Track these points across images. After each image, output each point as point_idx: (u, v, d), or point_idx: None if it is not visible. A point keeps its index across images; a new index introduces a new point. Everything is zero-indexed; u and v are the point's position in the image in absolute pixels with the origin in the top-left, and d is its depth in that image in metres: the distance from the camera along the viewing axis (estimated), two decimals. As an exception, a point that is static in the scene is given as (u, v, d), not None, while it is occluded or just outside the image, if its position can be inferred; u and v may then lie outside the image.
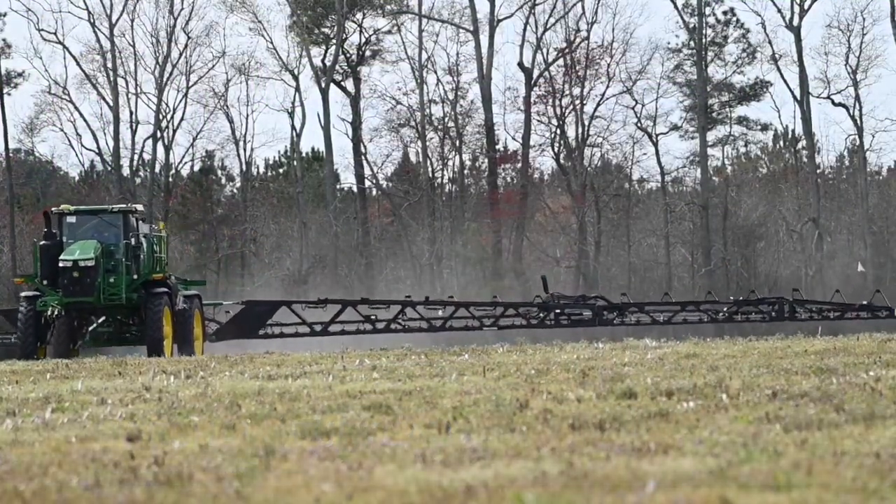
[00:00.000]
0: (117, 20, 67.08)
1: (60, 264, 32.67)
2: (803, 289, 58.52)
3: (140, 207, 35.63)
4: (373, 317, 39.90)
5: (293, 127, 69.02)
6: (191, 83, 67.85)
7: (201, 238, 69.98)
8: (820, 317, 41.74)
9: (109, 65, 66.89)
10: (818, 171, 69.95)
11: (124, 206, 35.22)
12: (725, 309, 42.34)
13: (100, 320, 34.87)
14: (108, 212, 34.37)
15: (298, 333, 39.64)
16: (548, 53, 68.08)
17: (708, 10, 68.65)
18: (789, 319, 41.80)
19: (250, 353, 25.61)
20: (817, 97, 67.22)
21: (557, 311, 40.91)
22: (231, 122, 68.70)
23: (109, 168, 68.45)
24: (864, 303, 42.56)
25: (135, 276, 33.58)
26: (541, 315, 40.96)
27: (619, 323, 41.15)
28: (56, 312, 32.56)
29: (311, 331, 39.68)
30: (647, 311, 41.91)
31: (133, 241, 33.61)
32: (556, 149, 68.56)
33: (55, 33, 67.20)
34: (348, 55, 68.65)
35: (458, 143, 68.87)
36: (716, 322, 42.38)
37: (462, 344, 33.53)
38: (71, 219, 33.83)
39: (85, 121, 68.03)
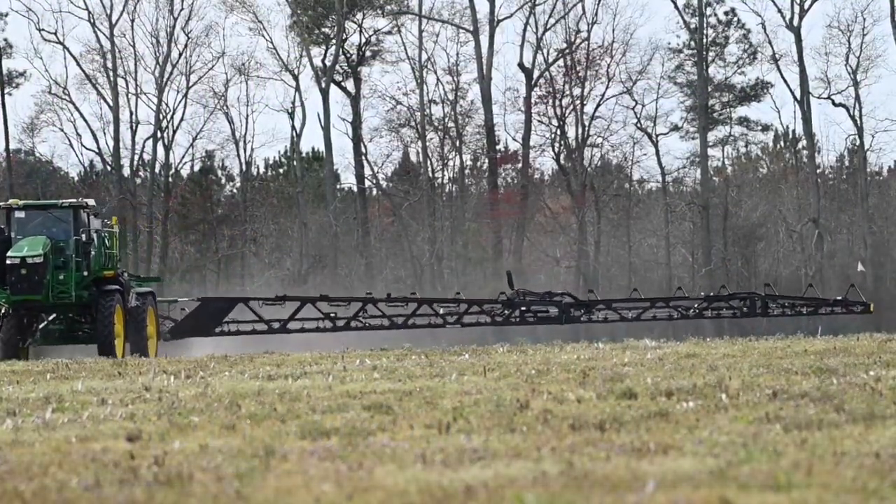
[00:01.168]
0: (117, 20, 67.16)
1: (8, 261, 31.53)
2: (803, 288, 58.43)
3: (91, 202, 34.28)
4: (332, 314, 38.58)
5: (293, 127, 69.10)
6: (191, 83, 67.89)
7: (201, 238, 69.99)
8: (793, 312, 40.94)
9: (109, 65, 66.92)
10: (818, 171, 69.93)
11: (74, 200, 34.02)
12: (696, 305, 41.20)
13: (50, 318, 33.61)
14: (57, 207, 33.16)
15: (256, 331, 38.23)
16: (548, 54, 68.14)
17: (709, 11, 68.68)
18: (761, 315, 40.87)
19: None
20: (817, 97, 67.25)
21: (523, 308, 39.80)
22: (231, 122, 68.75)
23: (109, 168, 68.48)
24: (839, 298, 41.60)
25: (85, 273, 32.52)
26: (506, 312, 39.83)
27: (586, 320, 40.08)
28: (3, 310, 31.51)
29: (269, 328, 38.24)
30: (614, 308, 40.76)
31: (84, 237, 32.51)
32: (556, 149, 68.60)
33: (55, 33, 67.27)
34: (348, 55, 68.67)
35: (458, 143, 68.88)
36: (686, 319, 41.18)
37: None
38: (20, 214, 32.68)
39: (85, 121, 68.10)
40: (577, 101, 67.61)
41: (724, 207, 68.34)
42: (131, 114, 67.34)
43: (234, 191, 73.06)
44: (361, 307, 38.87)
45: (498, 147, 68.92)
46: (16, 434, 9.96)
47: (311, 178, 72.49)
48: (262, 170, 75.06)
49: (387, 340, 35.08)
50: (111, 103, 66.81)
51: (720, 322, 43.28)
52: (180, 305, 39.36)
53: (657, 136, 68.50)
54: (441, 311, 39.77)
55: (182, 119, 68.16)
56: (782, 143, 75.12)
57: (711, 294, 42.65)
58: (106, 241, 33.80)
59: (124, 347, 32.57)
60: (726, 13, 68.95)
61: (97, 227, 33.67)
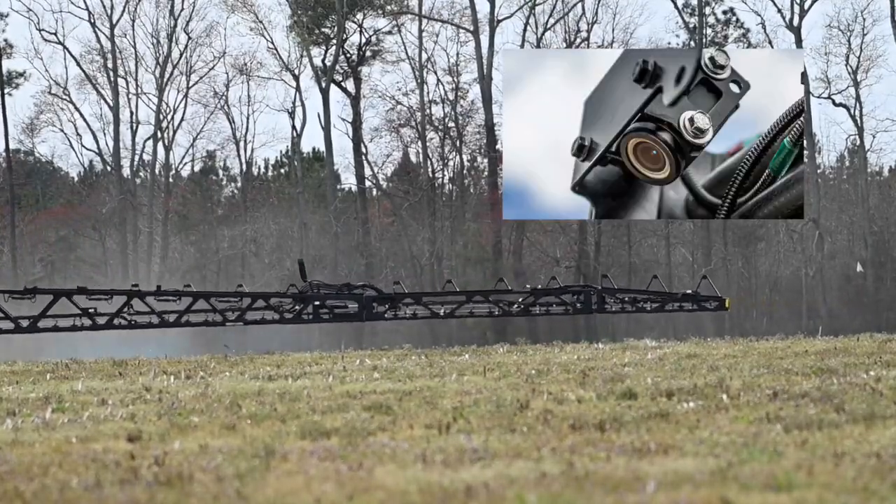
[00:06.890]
0: (118, 20, 67.13)
1: None
2: (803, 289, 58.38)
3: None
4: (91, 310, 33.31)
5: (293, 127, 69.08)
6: (191, 83, 67.85)
7: (201, 238, 69.96)
8: (634, 308, 36.14)
9: (110, 65, 66.92)
10: (819, 171, 69.94)
11: None
12: (521, 299, 35.84)
13: None
14: None
15: (1, 330, 32.98)
16: (548, 54, 68.16)
17: (708, 10, 68.70)
18: (597, 311, 36.14)
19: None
20: (818, 97, 67.24)
21: (317, 302, 34.82)
22: (231, 122, 68.73)
23: (110, 168, 68.47)
24: (689, 292, 36.41)
25: None
26: (297, 308, 34.79)
27: (391, 317, 35.31)
28: None
29: (16, 327, 32.98)
30: (424, 303, 35.58)
31: None
32: (556, 149, 68.55)
33: (55, 33, 67.27)
34: (348, 55, 68.67)
35: (458, 143, 68.89)
36: (509, 315, 36.34)
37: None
38: None
39: (85, 121, 68.06)
40: (577, 101, 67.60)
41: (724, 207, 68.27)
42: (131, 114, 67.36)
43: (235, 191, 73.10)
44: (126, 302, 33.63)
45: (498, 147, 68.93)
46: (16, 434, 9.96)
47: (311, 179, 72.50)
48: (262, 170, 75.15)
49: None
50: (111, 103, 66.81)
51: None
52: None
53: (657, 136, 68.50)
54: (220, 307, 34.61)
55: (182, 119, 68.21)
56: (782, 144, 75.09)
57: (539, 287, 36.89)
58: None
59: None
60: (725, 13, 69.01)
61: None
